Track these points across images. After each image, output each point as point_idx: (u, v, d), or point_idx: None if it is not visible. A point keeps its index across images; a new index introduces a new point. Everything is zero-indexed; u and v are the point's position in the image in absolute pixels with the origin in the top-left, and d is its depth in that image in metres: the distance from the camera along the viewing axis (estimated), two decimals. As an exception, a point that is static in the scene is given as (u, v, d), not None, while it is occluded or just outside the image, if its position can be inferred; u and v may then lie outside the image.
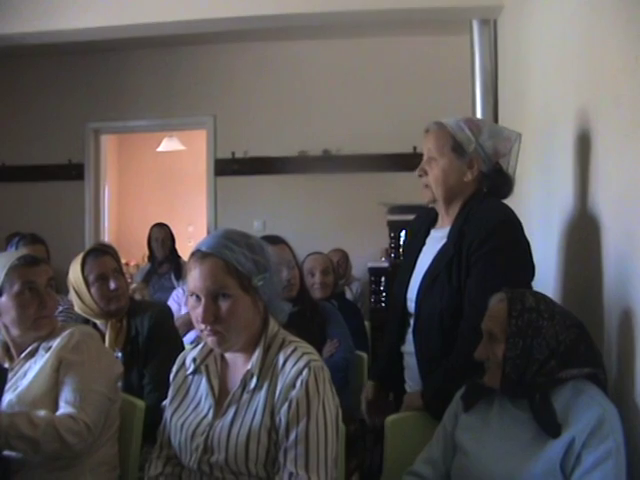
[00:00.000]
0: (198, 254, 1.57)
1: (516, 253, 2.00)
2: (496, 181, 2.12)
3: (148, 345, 2.44)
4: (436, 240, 2.14)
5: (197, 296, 1.55)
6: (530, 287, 2.04)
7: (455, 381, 1.85)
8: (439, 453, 1.79)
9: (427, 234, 2.22)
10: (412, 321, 2.13)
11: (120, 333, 2.47)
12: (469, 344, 1.89)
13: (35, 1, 4.18)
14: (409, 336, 2.15)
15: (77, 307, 2.50)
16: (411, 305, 2.14)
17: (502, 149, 2.12)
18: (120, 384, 2.12)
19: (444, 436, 1.80)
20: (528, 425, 1.63)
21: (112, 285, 2.45)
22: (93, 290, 2.44)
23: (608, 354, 1.92)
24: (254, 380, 1.57)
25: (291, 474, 1.49)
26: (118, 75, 6.13)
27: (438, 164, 2.10)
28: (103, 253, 2.52)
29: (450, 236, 2.06)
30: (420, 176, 2.15)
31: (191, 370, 1.69)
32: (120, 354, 2.44)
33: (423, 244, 2.21)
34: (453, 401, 1.83)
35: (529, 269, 2.06)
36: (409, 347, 2.15)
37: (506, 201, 2.18)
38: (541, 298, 1.71)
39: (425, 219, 2.27)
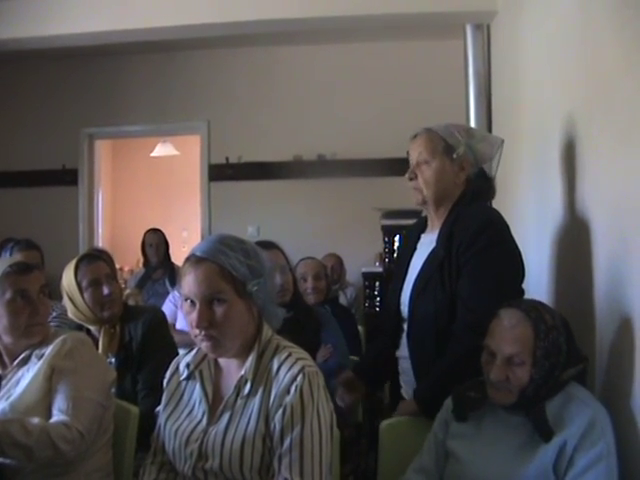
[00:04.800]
0: (193, 259, 1.56)
1: (504, 253, 2.02)
2: (481, 185, 2.15)
3: (142, 351, 2.43)
4: (426, 244, 2.16)
5: (192, 301, 1.55)
6: (520, 287, 2.06)
7: (449, 382, 1.86)
8: (431, 461, 1.79)
9: (418, 240, 2.24)
10: (406, 325, 2.14)
11: (113, 339, 2.47)
12: (462, 345, 1.91)
13: (29, 6, 4.17)
14: (403, 340, 2.15)
15: (70, 313, 2.49)
16: (404, 309, 2.15)
17: (488, 153, 2.16)
18: (113, 390, 2.11)
19: (435, 444, 1.80)
20: (520, 429, 1.64)
21: (105, 291, 2.44)
22: (86, 296, 2.43)
23: (600, 358, 1.93)
24: (248, 386, 1.57)
25: (285, 480, 1.48)
26: (112, 80, 6.12)
27: (430, 166, 2.12)
28: (96, 258, 2.52)
29: (439, 239, 2.08)
30: (411, 179, 2.17)
31: (185, 376, 1.69)
32: (113, 360, 2.44)
33: (414, 249, 2.22)
34: (443, 408, 1.83)
35: (518, 269, 2.07)
36: (403, 351, 2.15)
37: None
38: (552, 311, 1.70)
39: (417, 227, 2.30)
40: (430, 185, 2.12)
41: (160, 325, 2.57)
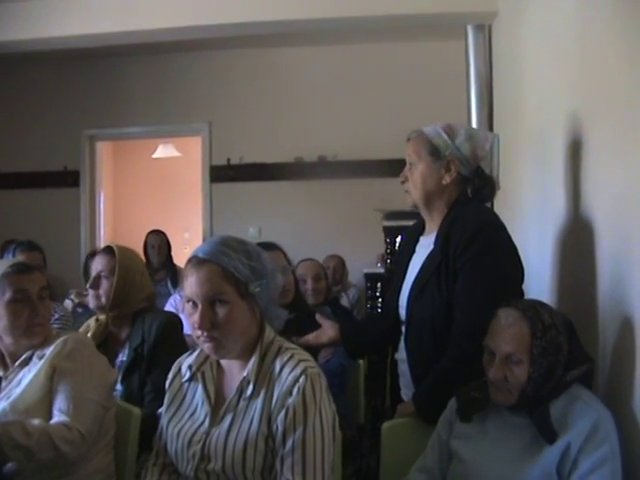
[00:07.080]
0: (195, 260, 1.56)
1: (501, 255, 2.01)
2: (477, 184, 2.14)
3: (153, 353, 2.41)
4: (424, 247, 2.16)
5: (194, 302, 1.55)
6: (520, 289, 2.05)
7: (446, 386, 1.86)
8: (434, 461, 1.79)
9: (417, 242, 2.24)
10: (404, 328, 2.14)
11: (103, 333, 2.47)
12: (460, 349, 1.91)
13: (30, 8, 4.18)
14: (402, 343, 2.16)
15: None
16: (402, 312, 2.15)
17: (480, 151, 2.13)
18: (119, 389, 2.10)
19: (439, 444, 1.80)
20: (524, 430, 1.64)
21: (90, 285, 2.46)
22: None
23: (604, 359, 1.93)
24: (250, 387, 1.57)
25: (288, 481, 1.48)
26: (113, 82, 6.13)
27: (417, 169, 2.13)
28: (106, 254, 2.54)
29: (436, 242, 2.08)
30: (402, 182, 2.19)
31: (187, 377, 1.69)
32: (124, 358, 2.42)
33: (413, 252, 2.22)
34: (447, 409, 1.82)
35: (517, 271, 2.06)
36: (402, 354, 2.15)
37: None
38: (551, 310, 1.70)
39: (416, 228, 2.29)
40: (416, 187, 2.14)
41: (174, 329, 2.53)
